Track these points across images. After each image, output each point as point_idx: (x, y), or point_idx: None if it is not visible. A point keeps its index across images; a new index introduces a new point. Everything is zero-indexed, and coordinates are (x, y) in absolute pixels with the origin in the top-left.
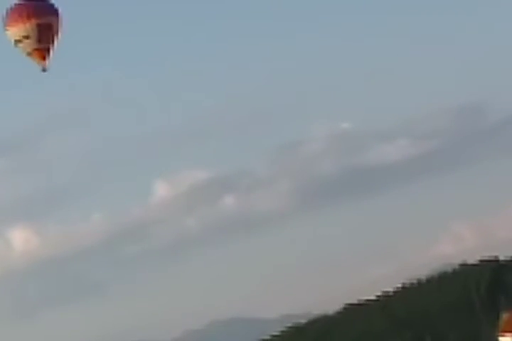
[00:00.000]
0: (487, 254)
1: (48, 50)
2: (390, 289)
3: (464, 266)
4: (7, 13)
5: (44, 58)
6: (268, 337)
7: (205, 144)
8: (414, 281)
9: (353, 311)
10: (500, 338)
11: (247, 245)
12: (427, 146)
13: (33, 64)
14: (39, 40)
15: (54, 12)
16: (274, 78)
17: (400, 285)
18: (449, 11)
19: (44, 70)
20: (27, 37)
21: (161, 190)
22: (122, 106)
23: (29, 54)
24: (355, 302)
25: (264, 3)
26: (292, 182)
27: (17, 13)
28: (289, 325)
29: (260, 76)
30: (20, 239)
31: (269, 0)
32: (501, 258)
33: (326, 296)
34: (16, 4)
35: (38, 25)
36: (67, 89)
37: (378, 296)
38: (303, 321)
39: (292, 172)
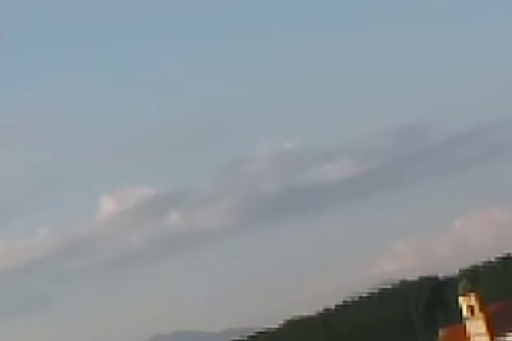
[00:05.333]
0: (426, 272)
1: None
2: (332, 305)
3: (403, 283)
4: None
5: None
6: None
7: (151, 161)
8: (355, 297)
9: (295, 326)
10: None
11: (190, 261)
12: (367, 166)
13: None
14: None
15: None
16: (218, 96)
17: (341, 301)
18: (388, 32)
19: None
20: None
21: (107, 206)
22: (67, 122)
23: None
24: (297, 317)
25: (203, 20)
26: (235, 200)
27: None
28: (232, 339)
29: (204, 93)
30: None
31: (214, 17)
32: (440, 275)
33: (268, 311)
34: None
35: None
36: (13, 103)
37: (320, 312)
38: (246, 335)
39: (235, 190)
